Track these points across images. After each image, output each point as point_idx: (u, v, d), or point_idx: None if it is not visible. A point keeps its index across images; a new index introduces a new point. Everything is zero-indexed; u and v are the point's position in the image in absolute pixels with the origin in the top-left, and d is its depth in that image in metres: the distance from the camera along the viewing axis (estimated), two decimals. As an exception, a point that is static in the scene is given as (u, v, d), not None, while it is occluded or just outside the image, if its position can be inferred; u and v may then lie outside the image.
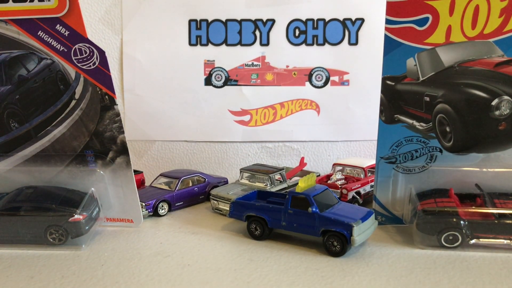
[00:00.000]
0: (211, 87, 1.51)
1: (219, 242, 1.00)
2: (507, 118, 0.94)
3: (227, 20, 1.48)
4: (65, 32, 0.95)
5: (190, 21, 1.49)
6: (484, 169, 0.99)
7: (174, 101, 1.52)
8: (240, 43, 1.49)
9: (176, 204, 1.22)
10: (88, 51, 0.96)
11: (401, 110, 0.99)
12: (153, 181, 1.31)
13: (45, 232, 0.96)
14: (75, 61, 0.97)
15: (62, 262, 0.90)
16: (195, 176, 1.31)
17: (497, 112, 0.94)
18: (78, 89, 1.00)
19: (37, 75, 1.01)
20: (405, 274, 0.84)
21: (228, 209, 1.08)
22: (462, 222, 0.92)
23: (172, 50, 1.50)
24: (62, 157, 1.03)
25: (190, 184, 1.28)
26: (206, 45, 1.50)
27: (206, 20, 1.49)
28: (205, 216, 1.19)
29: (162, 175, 1.32)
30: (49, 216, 0.95)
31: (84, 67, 0.97)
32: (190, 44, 1.50)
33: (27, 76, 1.01)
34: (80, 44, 0.96)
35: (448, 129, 0.97)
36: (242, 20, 1.48)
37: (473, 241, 0.92)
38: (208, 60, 1.51)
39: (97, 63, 0.96)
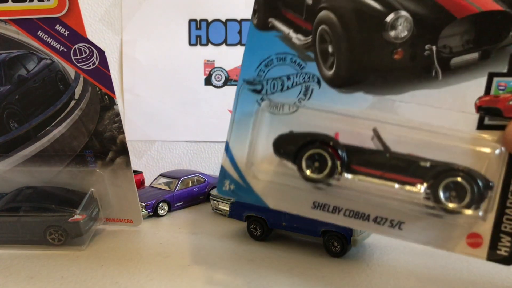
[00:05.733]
0: (211, 87, 1.51)
1: (219, 242, 1.00)
2: (405, 44, 0.69)
3: (227, 20, 1.48)
4: (64, 32, 0.95)
5: (190, 21, 1.49)
6: (378, 124, 0.70)
7: (174, 101, 1.52)
8: (240, 43, 1.49)
9: (176, 205, 1.22)
10: (87, 51, 0.96)
11: (278, 12, 0.75)
12: (153, 181, 1.31)
13: (45, 233, 0.95)
14: (74, 61, 0.96)
15: (61, 262, 0.90)
16: (195, 176, 1.31)
17: (392, 33, 0.69)
18: (78, 89, 1.00)
19: (37, 75, 1.01)
20: (406, 275, 0.83)
21: (228, 209, 1.07)
22: (333, 141, 0.69)
23: (172, 50, 1.50)
24: (61, 157, 1.03)
25: (190, 184, 1.28)
26: (206, 45, 1.49)
27: (206, 20, 1.48)
28: (205, 216, 1.18)
29: (162, 175, 1.32)
30: (49, 217, 0.95)
31: (83, 67, 0.97)
32: (190, 44, 1.50)
33: (27, 76, 1.01)
34: (79, 44, 0.95)
35: (330, 49, 0.73)
36: (242, 20, 1.48)
37: (349, 176, 0.69)
38: (208, 60, 1.50)
39: (96, 63, 0.96)
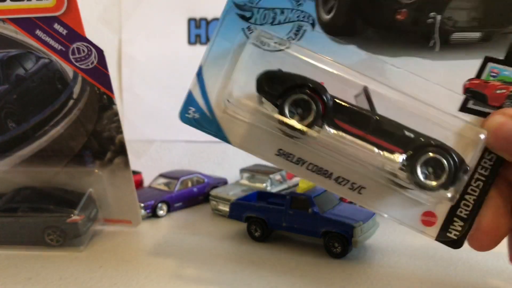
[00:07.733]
0: (210, 86, 1.50)
1: (218, 243, 0.99)
2: (411, 6, 0.67)
3: (226, 19, 1.47)
4: (63, 31, 0.94)
5: (189, 19, 1.48)
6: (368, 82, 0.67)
7: (173, 100, 1.50)
8: (239, 42, 1.48)
9: (175, 205, 1.21)
10: (86, 50, 0.95)
11: None
12: (152, 182, 1.30)
13: (43, 233, 0.95)
14: (73, 60, 0.96)
15: (60, 263, 0.89)
16: (195, 176, 1.30)
17: None
18: (76, 89, 0.99)
19: (35, 75, 1.00)
20: (407, 277, 0.83)
21: (228, 210, 1.07)
22: (323, 90, 0.64)
23: (171, 49, 1.49)
24: (60, 158, 1.02)
25: (190, 185, 1.27)
26: (206, 44, 1.49)
27: (206, 19, 1.48)
28: (204, 217, 1.18)
29: (161, 175, 1.31)
30: (47, 217, 0.95)
31: (82, 66, 0.96)
32: (189, 43, 1.49)
33: (25, 76, 1.00)
34: (78, 43, 0.95)
35: None
36: (241, 19, 1.47)
37: (332, 130, 0.65)
38: (207, 60, 1.50)
39: (95, 62, 0.95)
